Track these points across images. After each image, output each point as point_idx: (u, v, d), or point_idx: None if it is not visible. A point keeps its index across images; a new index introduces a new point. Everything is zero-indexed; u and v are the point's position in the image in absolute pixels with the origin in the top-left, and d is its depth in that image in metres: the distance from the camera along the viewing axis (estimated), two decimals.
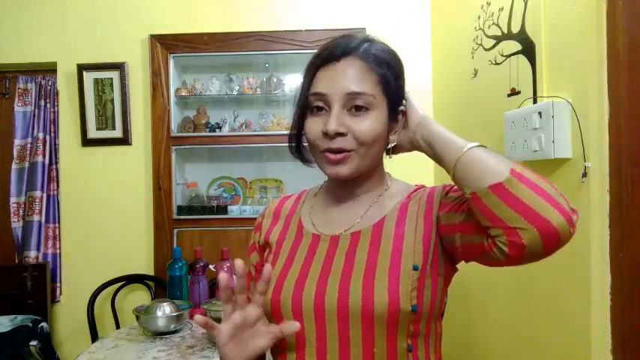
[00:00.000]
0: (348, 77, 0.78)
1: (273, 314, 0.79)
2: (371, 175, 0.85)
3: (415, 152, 0.84)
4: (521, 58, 1.56)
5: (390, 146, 0.84)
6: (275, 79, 2.56)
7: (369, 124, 0.77)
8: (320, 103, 0.79)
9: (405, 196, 0.84)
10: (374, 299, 0.72)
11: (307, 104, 0.81)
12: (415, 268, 0.75)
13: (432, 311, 0.77)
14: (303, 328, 0.76)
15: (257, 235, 0.94)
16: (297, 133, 0.86)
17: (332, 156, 0.78)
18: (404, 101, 0.84)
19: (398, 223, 0.80)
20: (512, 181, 0.65)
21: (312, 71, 0.82)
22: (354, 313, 0.73)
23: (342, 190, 0.86)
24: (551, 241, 0.63)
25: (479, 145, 0.71)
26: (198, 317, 0.69)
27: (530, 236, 0.63)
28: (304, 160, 0.90)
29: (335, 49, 0.80)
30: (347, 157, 0.78)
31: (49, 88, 2.56)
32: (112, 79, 2.51)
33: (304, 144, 0.87)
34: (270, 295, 0.79)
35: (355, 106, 0.77)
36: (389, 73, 0.80)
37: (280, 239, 0.88)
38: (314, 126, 0.80)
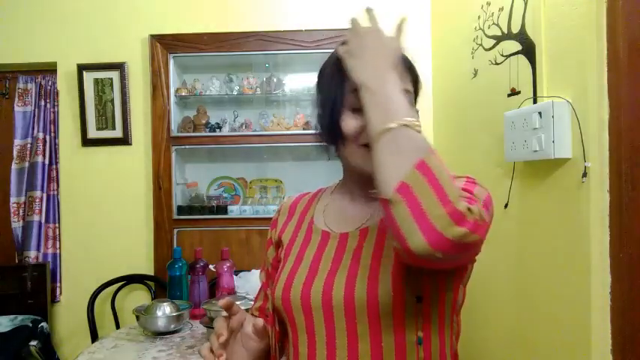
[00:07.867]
0: None
1: (284, 310, 0.81)
2: None
3: None
4: (521, 58, 1.55)
5: None
6: (275, 79, 2.56)
7: None
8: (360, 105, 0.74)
9: None
10: (378, 292, 0.72)
11: (344, 102, 0.78)
12: None
13: (443, 304, 0.77)
14: (313, 324, 0.77)
15: (273, 231, 0.96)
16: (332, 126, 0.80)
17: None
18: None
19: None
20: (395, 201, 0.61)
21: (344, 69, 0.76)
22: (361, 308, 0.73)
23: (359, 187, 0.86)
24: (437, 253, 0.59)
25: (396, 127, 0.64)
26: (222, 301, 0.77)
27: (415, 246, 0.60)
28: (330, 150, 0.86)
29: None
30: None
31: (49, 88, 2.56)
32: (112, 79, 2.51)
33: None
34: (281, 292, 0.81)
35: None
36: (416, 74, 0.84)
37: (292, 238, 0.89)
38: (354, 121, 0.77)
